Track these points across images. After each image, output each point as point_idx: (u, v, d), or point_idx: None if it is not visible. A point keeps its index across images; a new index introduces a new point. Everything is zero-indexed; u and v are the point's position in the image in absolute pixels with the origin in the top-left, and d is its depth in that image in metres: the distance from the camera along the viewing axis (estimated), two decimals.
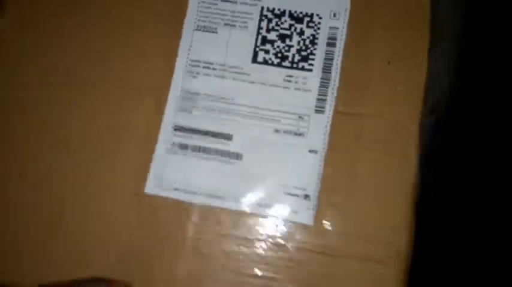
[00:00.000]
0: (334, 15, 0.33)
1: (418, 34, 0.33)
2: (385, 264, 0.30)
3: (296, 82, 0.33)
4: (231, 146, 0.32)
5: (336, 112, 0.32)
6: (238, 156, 0.32)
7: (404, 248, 0.30)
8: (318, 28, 0.33)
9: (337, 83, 0.33)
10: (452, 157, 0.53)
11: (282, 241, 0.31)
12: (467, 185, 0.53)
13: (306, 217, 0.31)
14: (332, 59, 0.33)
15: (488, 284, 0.51)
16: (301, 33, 0.33)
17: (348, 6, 0.33)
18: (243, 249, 0.31)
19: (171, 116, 0.33)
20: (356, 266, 0.30)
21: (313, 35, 0.33)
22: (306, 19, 0.34)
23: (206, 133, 0.32)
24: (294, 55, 0.33)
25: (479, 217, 0.53)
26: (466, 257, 0.52)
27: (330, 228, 0.31)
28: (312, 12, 0.34)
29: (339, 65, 0.33)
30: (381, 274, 0.30)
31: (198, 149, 0.32)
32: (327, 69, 0.33)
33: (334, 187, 0.31)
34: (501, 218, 0.53)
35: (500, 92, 0.56)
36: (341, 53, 0.33)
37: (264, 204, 0.31)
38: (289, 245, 0.31)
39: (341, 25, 0.33)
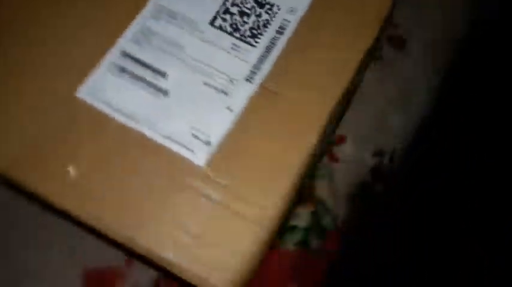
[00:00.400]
0: (291, 10, 0.38)
1: (359, 44, 0.37)
2: (253, 223, 0.33)
3: (239, 52, 0.37)
4: (163, 83, 0.36)
5: (262, 86, 0.36)
6: (166, 92, 0.36)
7: (275, 214, 0.33)
8: (274, 16, 0.38)
9: (271, 64, 0.37)
10: (442, 159, 0.55)
11: (173, 174, 0.34)
12: (459, 186, 0.54)
13: (201, 159, 0.34)
14: (275, 44, 0.37)
15: (488, 284, 0.52)
16: (259, 15, 0.38)
17: (306, 7, 0.38)
18: (139, 170, 0.34)
19: (124, 42, 0.37)
20: (227, 217, 0.33)
21: (267, 21, 0.38)
22: (267, 6, 0.38)
23: (146, 65, 0.36)
24: (246, 30, 0.38)
25: (475, 217, 0.54)
26: (462, 258, 0.53)
27: (216, 177, 0.34)
28: (274, 2, 0.38)
29: (279, 50, 0.37)
30: (247, 231, 0.33)
31: (135, 76, 0.36)
32: (268, 50, 0.37)
33: (235, 146, 0.35)
34: (499, 217, 0.54)
35: (493, 93, 0.59)
36: (285, 41, 0.37)
37: (171, 138, 0.35)
38: (178, 179, 0.34)
39: (293, 20, 0.38)
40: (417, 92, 0.59)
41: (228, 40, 0.37)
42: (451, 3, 0.62)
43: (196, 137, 0.35)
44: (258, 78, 0.36)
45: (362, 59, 0.38)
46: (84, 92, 0.36)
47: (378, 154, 0.57)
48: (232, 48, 0.37)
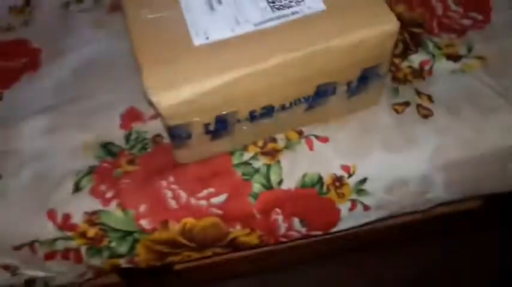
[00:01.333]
0: (309, 7, 0.59)
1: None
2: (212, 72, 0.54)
3: (265, 12, 0.59)
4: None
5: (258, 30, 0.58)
6: (219, 2, 0.60)
7: (220, 80, 0.54)
8: (298, 5, 0.59)
9: (275, 24, 0.58)
10: None
11: (181, 37, 0.58)
12: None
13: (197, 42, 0.57)
14: (285, 18, 0.58)
15: None
16: (291, 1, 0.60)
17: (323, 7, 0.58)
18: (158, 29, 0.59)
19: None
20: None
21: (291, 3, 0.59)
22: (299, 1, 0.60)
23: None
24: (275, 3, 0.59)
25: None
26: None
27: (199, 54, 0.56)
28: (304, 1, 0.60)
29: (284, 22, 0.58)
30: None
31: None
32: (279, 18, 0.58)
33: (220, 48, 0.57)
34: None
35: None
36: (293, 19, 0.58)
37: (195, 25, 0.58)
38: (183, 40, 0.58)
39: (307, 11, 0.58)
40: None
41: (264, 2, 0.60)
42: None
43: (205, 33, 0.58)
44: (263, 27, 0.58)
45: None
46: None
47: None
48: (263, 8, 0.59)
